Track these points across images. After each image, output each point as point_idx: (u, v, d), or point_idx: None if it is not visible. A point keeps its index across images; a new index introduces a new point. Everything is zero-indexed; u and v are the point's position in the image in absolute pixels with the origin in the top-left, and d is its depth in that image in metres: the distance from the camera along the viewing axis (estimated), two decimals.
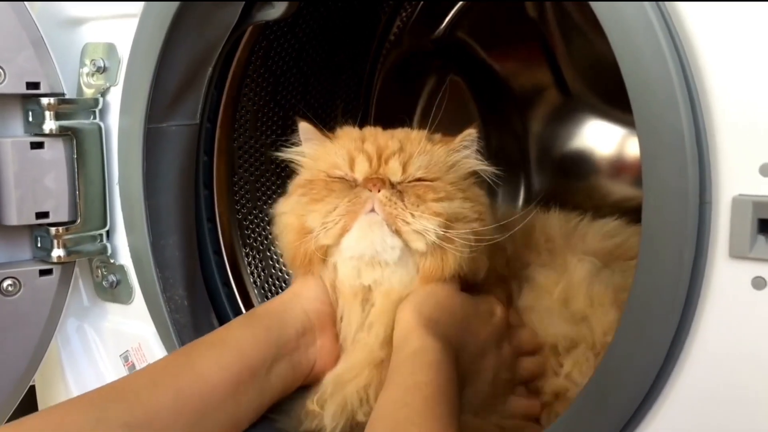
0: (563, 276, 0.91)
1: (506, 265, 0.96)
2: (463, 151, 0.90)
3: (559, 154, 1.41)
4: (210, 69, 1.01)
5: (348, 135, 0.91)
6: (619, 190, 1.34)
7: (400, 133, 0.91)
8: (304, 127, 0.92)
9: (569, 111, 1.38)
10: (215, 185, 1.14)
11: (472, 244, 0.84)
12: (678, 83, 0.60)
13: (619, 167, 1.35)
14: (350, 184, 0.85)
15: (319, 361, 0.88)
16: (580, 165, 1.39)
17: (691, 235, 0.61)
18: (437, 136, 0.92)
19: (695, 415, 0.64)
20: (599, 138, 1.36)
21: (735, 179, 0.59)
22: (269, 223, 1.23)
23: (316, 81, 1.31)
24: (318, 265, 0.87)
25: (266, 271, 1.22)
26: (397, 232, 0.82)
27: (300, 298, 0.88)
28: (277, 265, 1.24)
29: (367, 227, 0.82)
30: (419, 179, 0.85)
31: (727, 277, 0.61)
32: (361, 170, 0.85)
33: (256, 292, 1.19)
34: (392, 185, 0.83)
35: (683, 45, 0.60)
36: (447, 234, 0.82)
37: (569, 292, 0.90)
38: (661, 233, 0.62)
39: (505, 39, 1.41)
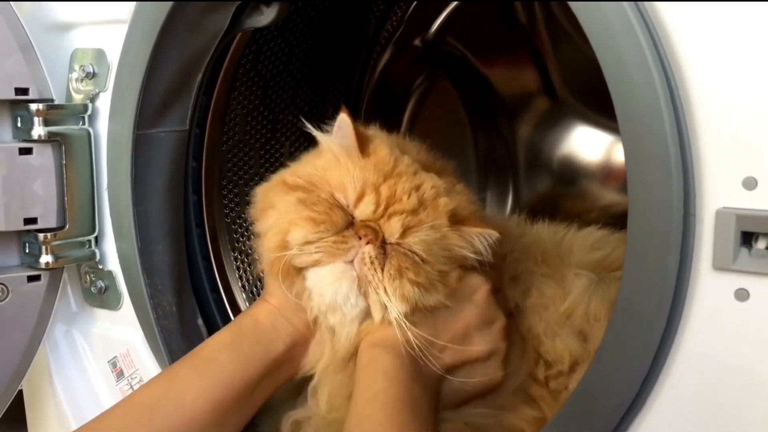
0: (564, 288, 0.90)
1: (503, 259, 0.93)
2: (474, 245, 0.83)
3: (547, 159, 1.42)
4: (200, 75, 1.02)
5: (379, 161, 0.84)
6: (607, 195, 1.35)
7: (429, 188, 0.83)
8: (344, 124, 0.84)
9: (557, 117, 1.39)
10: (204, 191, 1.15)
11: (426, 338, 0.80)
12: (662, 93, 0.61)
13: (606, 173, 1.36)
14: (347, 218, 0.81)
15: (304, 368, 0.87)
16: (569, 170, 1.40)
17: (675, 247, 0.61)
18: (465, 212, 0.85)
19: (679, 422, 0.65)
20: (587, 144, 1.37)
21: (719, 192, 0.60)
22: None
23: (306, 85, 1.31)
24: (292, 277, 0.84)
25: (254, 275, 1.22)
26: (364, 294, 0.79)
27: (285, 311, 0.86)
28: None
29: (338, 275, 0.79)
30: (413, 251, 0.80)
31: (710, 289, 0.61)
32: (364, 212, 0.80)
33: (244, 296, 1.19)
34: (383, 242, 0.79)
35: (667, 54, 0.61)
36: (405, 324, 0.78)
37: (570, 308, 0.89)
38: (645, 244, 0.63)
39: (495, 44, 1.41)
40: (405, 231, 0.80)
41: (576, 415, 0.70)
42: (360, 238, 0.78)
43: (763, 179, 0.58)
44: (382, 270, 0.78)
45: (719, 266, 0.61)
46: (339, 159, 0.84)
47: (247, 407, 0.83)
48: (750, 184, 0.59)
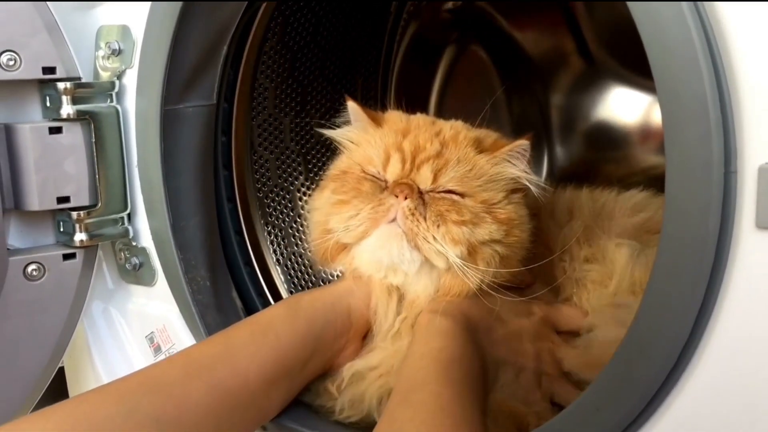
0: (607, 265, 0.90)
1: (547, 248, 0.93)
2: (510, 163, 0.85)
3: (582, 123, 1.39)
4: (225, 48, 1.01)
5: (393, 123, 0.88)
6: (647, 158, 1.32)
7: (448, 129, 0.87)
8: (352, 108, 0.89)
9: (593, 79, 1.36)
10: (234, 165, 1.14)
11: (500, 270, 0.82)
12: (700, 47, 0.58)
13: (645, 135, 1.32)
14: (380, 186, 0.84)
15: (341, 358, 0.89)
16: (605, 134, 1.37)
17: (716, 206, 0.59)
18: (489, 139, 0.87)
19: (723, 386, 0.63)
20: (624, 106, 1.33)
21: (761, 147, 0.57)
22: (291, 200, 1.23)
23: (334, 56, 1.29)
24: (338, 256, 0.87)
25: (288, 249, 1.22)
26: (417, 247, 0.81)
27: (352, 295, 0.88)
28: (299, 242, 1.24)
29: (386, 238, 0.81)
30: (449, 191, 0.82)
31: (753, 248, 0.59)
32: (393, 172, 0.83)
33: (278, 270, 1.19)
34: (420, 193, 0.81)
35: (705, 7, 0.58)
36: (464, 266, 0.80)
37: (616, 287, 0.88)
38: (685, 204, 0.60)
39: (526, 6, 1.38)
40: (436, 175, 0.82)
41: (614, 383, 0.68)
42: (396, 196, 0.80)
43: None
44: (425, 219, 0.80)
45: (762, 225, 0.58)
46: (359, 140, 0.89)
47: (293, 386, 0.84)
48: None
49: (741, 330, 0.61)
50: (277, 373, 0.80)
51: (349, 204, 0.84)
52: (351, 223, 0.82)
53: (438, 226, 0.80)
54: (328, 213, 0.86)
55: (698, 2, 0.58)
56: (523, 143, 0.84)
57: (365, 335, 0.91)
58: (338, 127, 0.92)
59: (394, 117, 0.89)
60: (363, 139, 0.88)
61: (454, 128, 0.87)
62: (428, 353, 0.75)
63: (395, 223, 0.81)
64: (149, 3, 0.95)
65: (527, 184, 0.85)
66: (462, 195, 0.82)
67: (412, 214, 0.80)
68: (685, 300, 0.61)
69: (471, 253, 0.81)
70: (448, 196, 0.82)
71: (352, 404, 0.86)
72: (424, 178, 0.82)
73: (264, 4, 1.08)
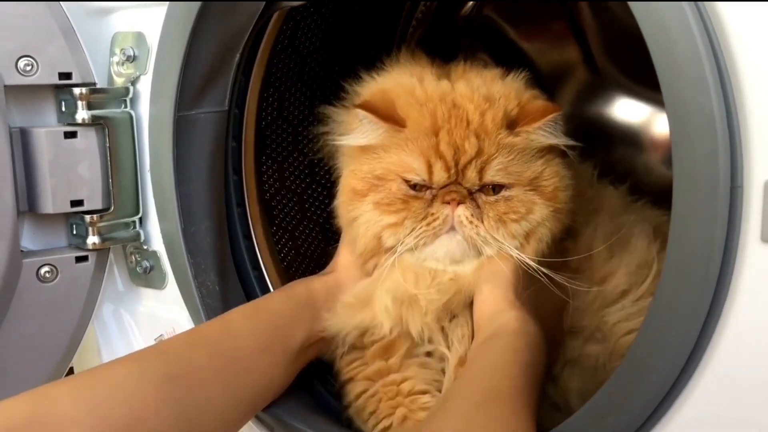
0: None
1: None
2: (544, 134, 0.85)
3: (587, 132, 1.40)
4: (237, 55, 1.02)
5: (416, 121, 0.83)
6: (651, 168, 1.32)
7: (472, 112, 0.83)
8: (365, 117, 0.85)
9: (597, 89, 1.37)
10: (244, 170, 1.15)
11: (547, 242, 0.86)
12: (708, 63, 0.59)
13: (648, 146, 1.33)
14: (424, 196, 0.84)
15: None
16: (609, 144, 1.37)
17: (722, 220, 0.60)
18: (514, 107, 0.85)
19: (727, 398, 0.64)
20: (628, 116, 1.34)
21: (767, 163, 0.59)
22: (297, 203, 1.24)
23: (342, 62, 1.30)
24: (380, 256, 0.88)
25: (294, 252, 1.23)
26: (477, 248, 0.84)
27: (339, 288, 0.92)
28: (305, 245, 1.25)
29: (447, 245, 0.84)
30: (497, 185, 0.83)
31: (758, 262, 0.60)
32: (439, 180, 0.82)
33: (286, 274, 1.20)
34: (470, 193, 0.83)
35: (713, 23, 0.59)
36: (521, 257, 0.83)
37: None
38: (691, 217, 0.62)
39: (533, 16, 1.39)
40: (481, 174, 0.82)
41: (621, 389, 0.69)
42: (448, 203, 0.82)
43: None
44: (482, 222, 0.82)
45: None
46: (387, 144, 0.85)
47: (294, 363, 0.88)
48: None
49: (745, 342, 0.62)
50: (275, 347, 0.86)
51: (401, 225, 0.84)
52: (408, 239, 0.83)
53: (497, 230, 0.83)
54: (376, 235, 0.86)
55: (705, 16, 0.59)
56: (555, 116, 0.84)
57: None
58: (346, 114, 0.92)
59: (414, 113, 0.84)
60: (391, 143, 0.85)
61: (475, 105, 0.83)
62: (518, 365, 0.75)
63: (454, 230, 0.83)
64: (164, 10, 0.96)
65: (563, 149, 0.87)
66: (510, 186, 0.84)
67: (470, 222, 0.82)
68: (691, 312, 0.63)
69: (527, 237, 0.85)
70: (499, 198, 0.83)
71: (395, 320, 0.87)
72: (470, 180, 0.82)
73: (277, 12, 1.10)
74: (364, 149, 0.87)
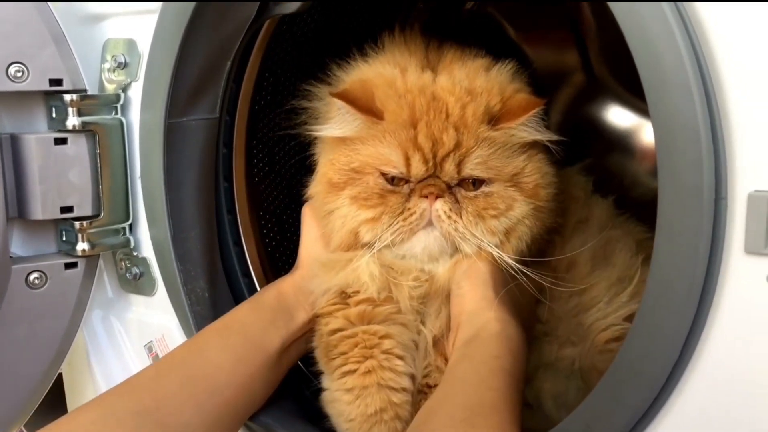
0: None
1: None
2: (526, 129, 0.83)
3: (578, 138, 1.40)
4: (229, 63, 1.02)
5: (395, 113, 0.82)
6: (639, 179, 1.33)
7: (453, 104, 0.81)
8: (342, 107, 0.83)
9: (593, 95, 1.37)
10: (234, 177, 1.15)
11: (527, 241, 0.85)
12: (693, 75, 0.59)
13: (638, 156, 1.34)
14: (401, 190, 0.82)
15: None
16: (599, 152, 1.38)
17: (706, 231, 0.61)
18: (496, 103, 0.83)
19: (710, 409, 0.64)
20: (621, 124, 1.35)
21: (751, 175, 0.59)
22: (285, 211, 1.24)
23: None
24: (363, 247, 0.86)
25: (285, 256, 1.23)
26: (455, 244, 0.83)
27: (314, 281, 0.90)
28: (295, 254, 1.25)
29: (424, 240, 0.83)
30: (476, 179, 0.82)
31: (742, 273, 0.61)
32: (417, 172, 0.81)
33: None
34: (449, 187, 0.82)
35: (698, 35, 0.60)
36: (500, 253, 0.82)
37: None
38: (676, 228, 0.62)
39: (535, 17, 1.39)
40: (459, 167, 0.81)
41: (604, 401, 0.70)
42: (426, 197, 0.80)
43: None
44: (461, 217, 0.81)
45: (751, 250, 0.60)
46: (364, 136, 0.84)
47: (275, 369, 0.88)
48: None
49: (729, 353, 0.62)
50: (252, 357, 0.84)
51: (379, 221, 0.82)
52: (385, 234, 0.82)
53: (476, 225, 0.81)
54: (353, 230, 0.85)
55: (691, 31, 0.60)
56: (537, 110, 0.82)
57: None
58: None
59: (392, 105, 0.82)
60: (368, 135, 0.83)
61: (459, 102, 0.82)
62: (501, 373, 0.74)
63: (431, 226, 0.82)
64: (156, 17, 0.96)
65: (546, 143, 0.86)
66: (489, 180, 0.82)
67: (449, 217, 0.80)
68: (675, 323, 0.63)
69: (507, 235, 0.84)
70: (478, 193, 0.82)
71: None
72: (449, 173, 0.81)
73: (269, 20, 1.10)
74: (343, 140, 0.85)
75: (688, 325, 0.63)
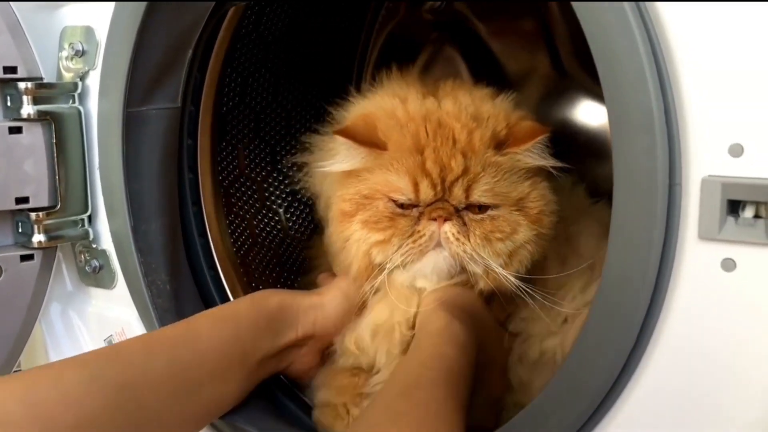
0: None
1: None
2: (531, 155, 0.85)
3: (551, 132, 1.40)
4: (190, 51, 1.01)
5: (397, 142, 0.84)
6: (606, 170, 1.33)
7: (459, 131, 0.84)
8: (346, 144, 0.85)
9: (563, 90, 1.37)
10: (200, 168, 1.14)
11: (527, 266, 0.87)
12: (646, 59, 0.59)
13: (608, 148, 1.33)
14: (411, 214, 0.84)
15: (296, 365, 0.94)
16: (571, 144, 1.38)
17: (660, 217, 0.60)
18: (502, 129, 0.86)
19: (666, 395, 0.64)
20: (591, 118, 1.34)
21: (704, 160, 0.59)
22: (256, 192, 1.23)
23: (306, 56, 1.29)
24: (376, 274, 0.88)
25: (251, 241, 1.22)
26: (463, 265, 0.85)
27: (320, 310, 0.92)
28: (263, 234, 1.24)
29: (434, 261, 0.84)
30: (483, 205, 0.84)
31: (697, 259, 0.60)
32: (425, 197, 0.83)
33: (242, 274, 1.18)
34: (457, 210, 0.83)
35: (652, 19, 0.59)
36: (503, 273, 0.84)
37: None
38: (630, 215, 0.62)
39: (503, 12, 1.38)
40: (467, 192, 0.83)
41: (560, 390, 0.69)
42: (435, 220, 0.82)
43: (750, 146, 0.57)
44: (469, 240, 0.83)
45: (705, 236, 0.59)
46: (370, 166, 0.86)
47: (249, 377, 0.87)
48: (736, 151, 0.57)
49: (684, 339, 0.62)
50: (234, 358, 0.84)
51: (389, 243, 0.84)
52: (395, 257, 0.84)
53: (484, 248, 0.83)
54: (365, 253, 0.86)
55: (645, 14, 0.59)
56: (543, 137, 0.84)
57: (325, 349, 0.94)
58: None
59: (395, 135, 0.85)
60: (374, 164, 0.85)
61: (465, 128, 0.84)
62: (440, 358, 0.76)
63: (441, 247, 0.83)
64: (113, 4, 0.95)
65: (550, 169, 0.87)
66: (495, 206, 0.84)
67: (456, 239, 0.82)
68: (630, 310, 0.62)
69: (509, 257, 0.85)
70: (484, 216, 0.84)
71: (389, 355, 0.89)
72: (457, 197, 0.83)
73: (232, 9, 1.08)
74: (349, 173, 0.87)
75: (644, 312, 0.62)
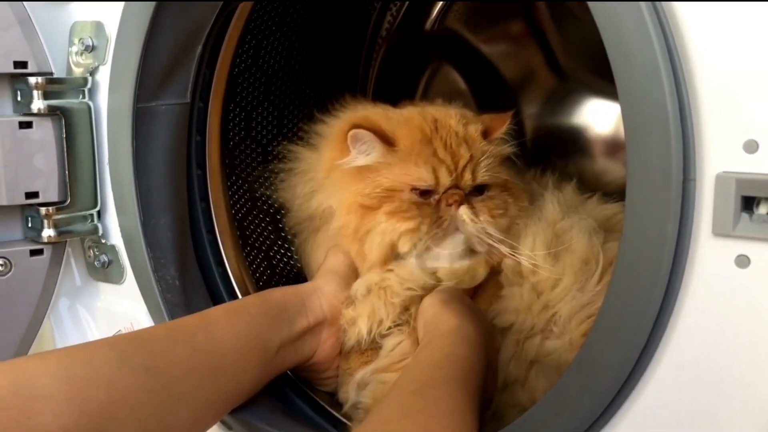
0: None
1: None
2: (505, 141, 0.98)
3: (556, 134, 1.40)
4: (200, 47, 1.01)
5: (406, 137, 0.93)
6: (615, 169, 1.32)
7: (455, 123, 0.94)
8: (365, 135, 0.91)
9: (565, 92, 1.36)
10: (208, 165, 1.14)
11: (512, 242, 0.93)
12: (661, 56, 0.59)
13: (617, 146, 1.33)
14: (431, 201, 0.92)
15: (319, 352, 0.95)
16: (578, 144, 1.37)
17: (674, 213, 0.60)
18: (482, 123, 0.97)
19: (679, 392, 0.63)
20: (597, 117, 1.34)
21: (719, 156, 0.58)
22: (260, 200, 1.23)
23: (312, 59, 1.30)
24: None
25: (260, 250, 1.21)
26: (471, 245, 0.93)
27: (320, 293, 0.94)
28: (268, 243, 1.24)
29: (452, 244, 0.92)
30: (483, 185, 0.94)
31: (710, 256, 0.60)
32: (445, 182, 0.91)
33: (251, 271, 1.18)
34: (465, 193, 0.92)
35: (667, 17, 0.59)
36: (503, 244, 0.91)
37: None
38: (644, 210, 0.61)
39: (495, 22, 1.39)
40: (473, 175, 0.93)
41: (575, 384, 0.69)
42: (450, 205, 0.90)
43: (765, 142, 0.56)
44: (479, 218, 0.91)
45: (719, 232, 0.59)
46: (390, 160, 0.92)
47: (267, 366, 0.88)
48: (751, 147, 0.57)
49: (697, 335, 0.62)
50: (251, 347, 0.85)
51: (418, 230, 0.90)
52: (420, 245, 0.91)
53: (491, 224, 0.91)
54: (393, 242, 0.92)
55: (660, 11, 0.59)
56: (508, 121, 0.97)
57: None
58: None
59: (401, 131, 0.93)
60: (392, 159, 0.92)
61: (460, 123, 0.95)
62: (454, 358, 0.78)
63: (457, 230, 0.91)
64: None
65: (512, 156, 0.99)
66: (492, 186, 0.94)
67: (472, 220, 0.90)
68: (644, 306, 0.62)
69: (507, 232, 0.93)
70: (484, 195, 0.94)
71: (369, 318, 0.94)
72: (467, 181, 0.92)
73: (241, 5, 1.08)
74: (360, 170, 0.93)
75: (657, 308, 0.62)
